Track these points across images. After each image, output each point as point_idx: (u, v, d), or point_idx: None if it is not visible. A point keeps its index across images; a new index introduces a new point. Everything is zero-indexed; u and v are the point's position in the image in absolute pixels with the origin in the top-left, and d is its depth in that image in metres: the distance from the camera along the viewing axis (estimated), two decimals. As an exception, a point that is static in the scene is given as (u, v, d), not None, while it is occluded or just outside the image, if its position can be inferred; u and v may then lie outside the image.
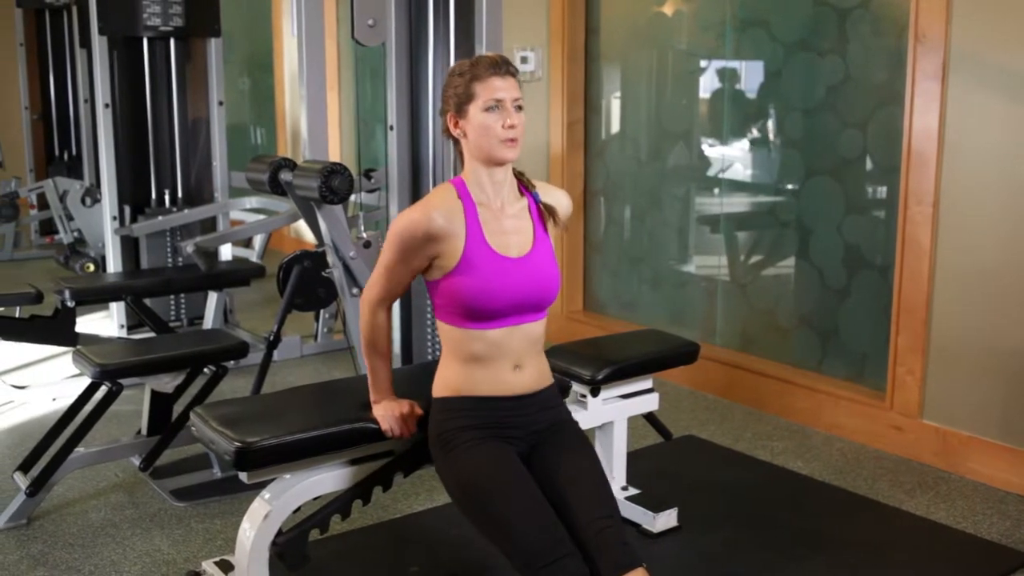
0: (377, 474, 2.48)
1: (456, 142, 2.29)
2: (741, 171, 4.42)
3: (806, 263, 4.11)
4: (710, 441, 3.79)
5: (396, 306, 3.81)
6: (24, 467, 3.20)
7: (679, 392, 4.39)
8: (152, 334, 4.49)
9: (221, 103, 5.26)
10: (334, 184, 3.30)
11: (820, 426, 3.89)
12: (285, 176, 3.58)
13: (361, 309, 2.38)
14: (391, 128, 3.85)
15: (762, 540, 2.94)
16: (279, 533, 2.39)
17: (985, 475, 3.37)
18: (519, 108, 2.22)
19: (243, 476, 2.35)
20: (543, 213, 2.33)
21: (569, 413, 2.41)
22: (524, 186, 2.34)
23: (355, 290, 3.55)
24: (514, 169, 2.33)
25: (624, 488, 3.11)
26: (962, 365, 3.42)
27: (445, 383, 2.30)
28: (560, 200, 2.40)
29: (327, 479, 2.43)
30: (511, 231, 2.26)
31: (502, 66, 2.22)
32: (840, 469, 3.51)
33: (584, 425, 2.98)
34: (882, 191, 3.80)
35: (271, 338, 3.88)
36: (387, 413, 2.38)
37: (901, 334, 3.57)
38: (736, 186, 4.45)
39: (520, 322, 2.25)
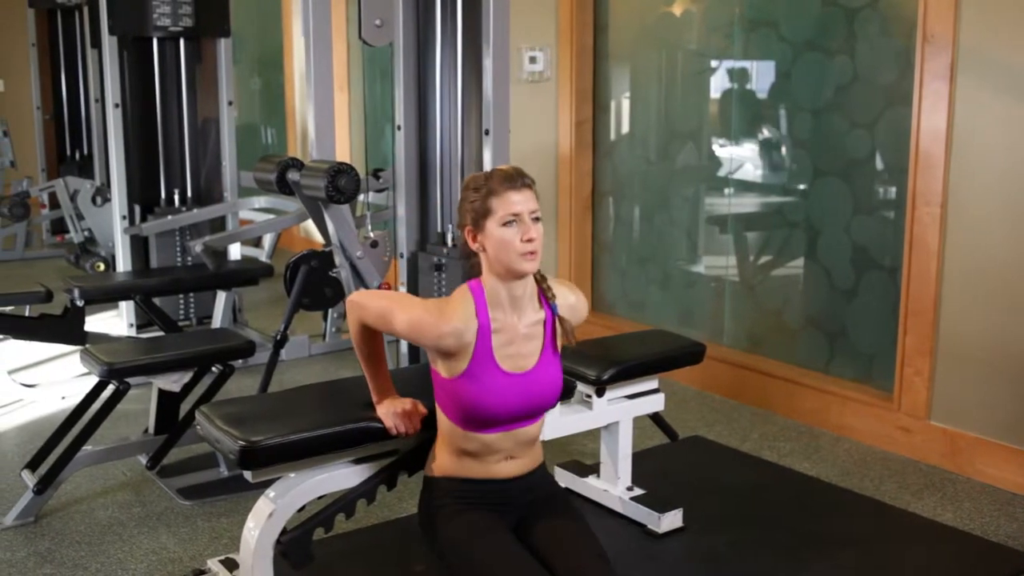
0: (382, 473, 2.49)
1: (474, 254, 2.27)
2: (749, 171, 4.42)
3: (814, 263, 4.10)
4: (717, 442, 3.78)
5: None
6: (32, 465, 3.22)
7: (686, 392, 4.39)
8: (161, 333, 4.51)
9: (231, 103, 5.28)
10: (340, 184, 3.31)
11: (828, 427, 3.88)
12: (292, 176, 3.59)
13: (349, 312, 2.38)
14: (398, 128, 3.86)
15: (767, 541, 2.93)
16: (283, 532, 2.39)
17: (993, 477, 3.36)
18: (537, 219, 2.20)
19: (248, 475, 2.36)
20: (556, 329, 2.32)
21: (558, 485, 2.46)
22: (545, 298, 2.31)
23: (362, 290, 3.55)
24: (536, 274, 2.28)
25: (629, 488, 3.10)
26: (970, 366, 3.41)
27: (437, 466, 2.35)
28: (577, 309, 2.36)
29: (332, 478, 2.43)
30: (520, 348, 2.26)
31: (517, 179, 2.21)
32: (847, 470, 3.50)
33: (589, 425, 3.00)
34: (890, 191, 3.79)
35: (278, 337, 3.89)
36: (390, 411, 2.39)
37: (909, 335, 3.55)
38: (744, 186, 4.45)
39: (515, 428, 2.29)
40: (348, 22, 6.97)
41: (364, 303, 2.36)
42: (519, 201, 2.19)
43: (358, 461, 2.47)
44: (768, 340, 4.33)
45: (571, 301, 2.37)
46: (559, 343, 2.35)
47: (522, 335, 2.27)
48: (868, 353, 3.91)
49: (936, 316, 3.47)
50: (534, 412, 2.31)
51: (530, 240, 2.17)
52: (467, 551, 2.20)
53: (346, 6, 6.84)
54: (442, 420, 2.33)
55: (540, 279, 2.31)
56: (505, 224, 2.17)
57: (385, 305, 2.31)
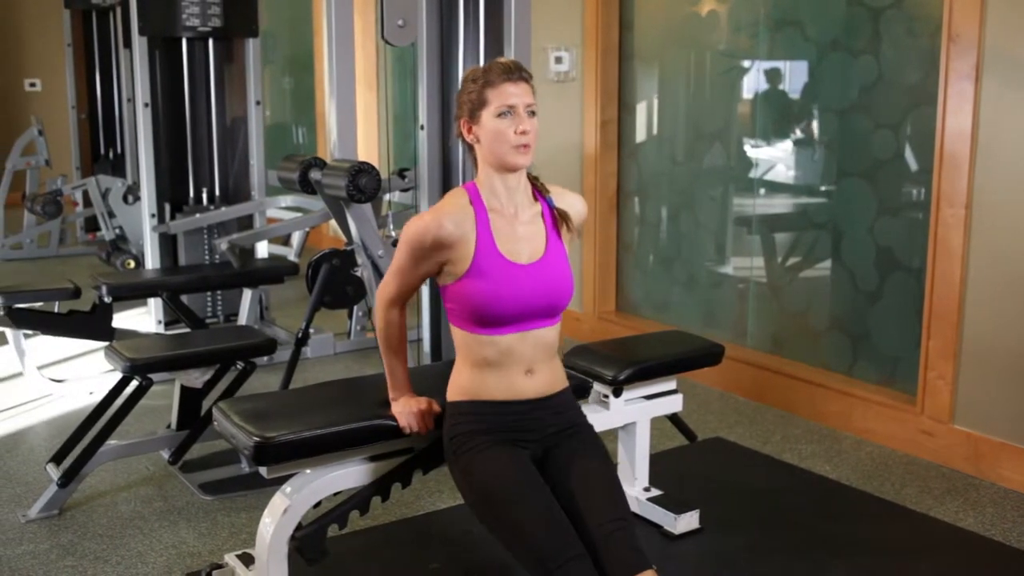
0: (396, 471, 2.50)
1: (470, 148, 2.29)
2: (774, 172, 4.39)
3: (838, 265, 4.07)
4: (737, 444, 3.77)
5: (425, 305, 3.86)
6: (57, 459, 3.26)
7: (709, 394, 4.37)
8: (188, 330, 4.56)
9: (259, 103, 5.32)
10: (361, 183, 3.33)
11: (850, 430, 3.85)
12: (315, 175, 3.62)
13: (375, 308, 2.41)
14: (422, 127, 3.87)
15: (785, 544, 2.92)
16: (298, 527, 2.42)
17: (1016, 482, 3.32)
18: (532, 114, 2.21)
19: (263, 471, 2.39)
20: (556, 218, 2.32)
21: (583, 416, 2.41)
22: (538, 191, 2.33)
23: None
24: (529, 174, 2.32)
25: (647, 489, 3.10)
26: (994, 370, 3.37)
27: (458, 387, 2.32)
28: (574, 205, 2.38)
29: (347, 475, 2.45)
30: (523, 237, 2.26)
31: (515, 72, 2.22)
32: (868, 474, 3.47)
33: (606, 426, 2.99)
34: (915, 193, 3.75)
35: (299, 335, 3.92)
36: (405, 410, 2.40)
37: (932, 338, 3.52)
38: (769, 187, 4.42)
39: (531, 327, 2.26)
40: (379, 22, 6.99)
41: (382, 283, 2.38)
42: (515, 93, 2.20)
43: (373, 458, 2.48)
44: (792, 342, 4.30)
45: (567, 199, 2.37)
46: (564, 237, 2.33)
47: (523, 222, 2.27)
48: (892, 356, 3.87)
49: (960, 319, 3.43)
50: (548, 308, 2.27)
51: (524, 132, 2.18)
52: (494, 498, 2.15)
53: (376, 6, 6.86)
54: (458, 335, 2.30)
55: (533, 178, 2.34)
56: (500, 115, 2.19)
57: (392, 264, 2.33)
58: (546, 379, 2.30)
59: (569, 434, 2.31)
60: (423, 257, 2.24)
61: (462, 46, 3.80)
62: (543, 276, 2.25)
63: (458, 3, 3.77)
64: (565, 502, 2.16)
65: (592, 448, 2.29)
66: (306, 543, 2.40)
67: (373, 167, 3.36)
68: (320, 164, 3.62)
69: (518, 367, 2.26)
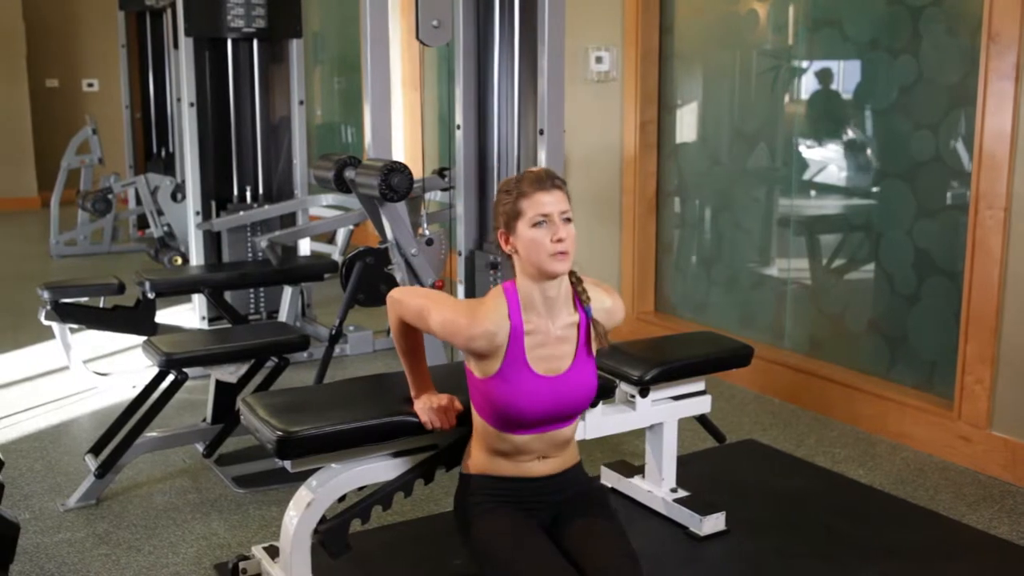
0: (419, 467, 2.53)
1: (509, 257, 2.30)
2: (812, 172, 4.35)
3: (876, 267, 4.02)
4: (770, 446, 3.74)
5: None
6: (95, 450, 3.34)
7: (745, 395, 4.34)
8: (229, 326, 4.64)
9: (302, 102, 5.39)
10: (394, 182, 3.36)
11: (886, 434, 3.80)
12: (349, 174, 3.66)
13: (389, 307, 2.43)
14: (458, 127, 3.89)
15: (812, 548, 2.89)
16: (322, 521, 2.46)
17: (1055, 490, 3.26)
18: (568, 220, 2.21)
19: (287, 465, 2.43)
20: (590, 332, 2.32)
21: (592, 484, 2.47)
22: (579, 299, 2.31)
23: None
24: (572, 274, 2.30)
25: (673, 490, 3.09)
26: (1033, 375, 3.31)
27: (471, 463, 2.40)
28: (613, 313, 2.37)
29: (371, 470, 2.48)
30: (553, 353, 2.27)
31: (547, 181, 2.22)
32: (902, 479, 3.43)
33: (632, 426, 2.99)
34: (954, 194, 3.70)
35: (333, 332, 3.97)
36: (426, 406, 2.43)
37: (970, 342, 3.46)
38: (807, 187, 4.38)
39: (548, 430, 2.31)
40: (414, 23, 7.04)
41: (403, 300, 2.41)
42: (549, 202, 2.20)
43: (397, 454, 2.51)
44: (829, 344, 4.26)
45: (607, 305, 2.37)
46: (594, 347, 2.36)
47: (555, 338, 2.28)
48: (929, 360, 3.82)
49: (998, 323, 3.37)
50: (566, 415, 2.32)
51: (560, 240, 2.18)
52: (496, 549, 2.23)
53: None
54: (476, 419, 2.37)
55: (575, 281, 2.32)
56: (535, 225, 2.19)
57: (422, 304, 2.35)
58: (559, 462, 2.37)
59: (578, 499, 2.37)
60: (448, 338, 2.28)
61: (497, 46, 3.82)
62: (566, 388, 2.28)
63: (493, 3, 3.79)
64: (572, 553, 2.22)
65: (599, 507, 2.36)
66: (329, 536, 2.44)
67: (405, 166, 3.39)
68: (355, 163, 3.66)
69: (531, 456, 2.34)
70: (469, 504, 2.35)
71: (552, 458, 2.36)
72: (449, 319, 2.26)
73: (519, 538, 2.22)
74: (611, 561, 2.16)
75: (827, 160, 4.29)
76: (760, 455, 3.66)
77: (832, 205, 4.35)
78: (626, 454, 3.62)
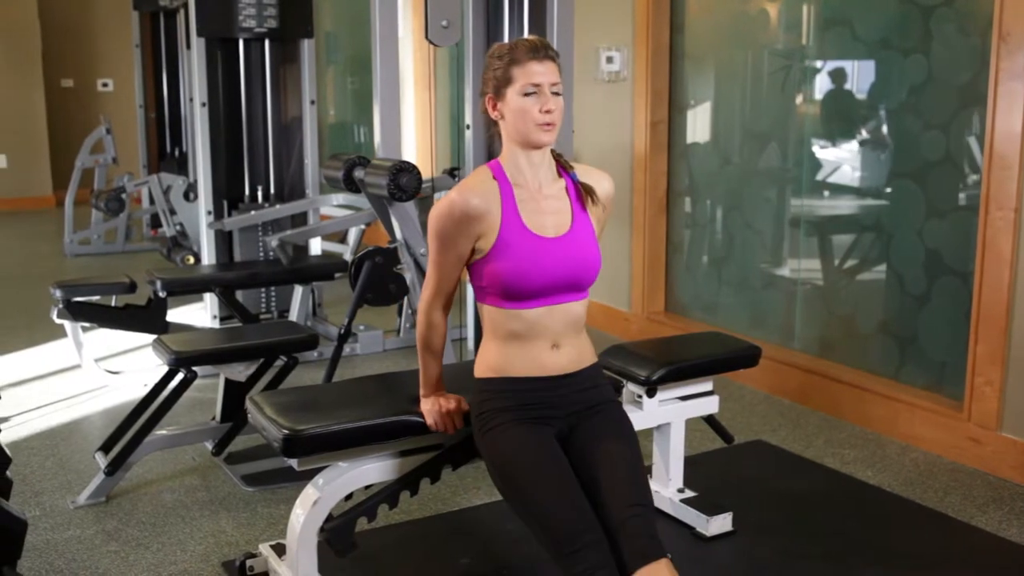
0: (425, 467, 2.54)
1: (494, 124, 2.31)
2: (823, 172, 4.34)
3: (886, 268, 4.00)
4: (779, 447, 3.73)
5: (470, 304, 3.89)
6: (105, 448, 3.36)
7: (755, 396, 4.33)
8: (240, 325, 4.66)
9: (313, 102, 5.41)
10: (402, 182, 3.37)
11: (896, 435, 3.78)
12: (358, 174, 3.67)
13: (418, 312, 2.44)
14: (467, 127, 3.90)
15: (818, 549, 2.89)
16: (328, 519, 2.47)
17: (1065, 492, 3.24)
18: (557, 93, 2.22)
19: (293, 463, 2.44)
20: (581, 193, 2.33)
21: (612, 393, 2.39)
22: (562, 167, 2.34)
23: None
24: (552, 151, 2.33)
25: (681, 490, 3.09)
26: (1043, 377, 3.29)
27: (484, 363, 2.34)
28: (600, 182, 2.38)
29: (377, 469, 2.49)
30: (548, 211, 2.27)
31: (541, 50, 2.23)
32: (911, 480, 3.41)
33: (639, 426, 2.98)
34: (964, 195, 3.68)
35: (341, 331, 3.98)
36: (433, 408, 2.43)
37: (980, 343, 3.45)
38: (817, 188, 4.37)
39: (558, 302, 2.26)
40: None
41: (423, 286, 2.41)
42: (541, 72, 2.20)
43: (403, 453, 2.52)
44: (838, 345, 4.24)
45: (593, 175, 2.38)
46: (592, 214, 2.33)
47: (546, 196, 2.28)
48: (939, 361, 3.80)
49: (1008, 324, 3.35)
50: (575, 281, 2.27)
51: (548, 111, 2.20)
52: (512, 473, 2.18)
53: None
54: (485, 311, 2.32)
55: (557, 155, 2.35)
56: (525, 94, 2.20)
57: (428, 261, 2.35)
58: (572, 355, 2.31)
59: (595, 412, 2.30)
60: (453, 236, 2.25)
61: (507, 46, 3.82)
62: (569, 249, 2.26)
63: (503, 3, 3.79)
64: (586, 482, 2.16)
65: (617, 428, 2.28)
66: (335, 535, 2.45)
67: (414, 166, 3.39)
68: (364, 163, 3.68)
69: (544, 341, 2.27)
70: (487, 413, 2.28)
71: (565, 348, 2.29)
72: (441, 211, 2.24)
73: (540, 468, 2.15)
74: (624, 512, 2.08)
75: (837, 160, 4.27)
76: (768, 456, 3.65)
77: (842, 205, 4.33)
78: (634, 454, 3.61)
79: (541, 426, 2.25)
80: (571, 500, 2.09)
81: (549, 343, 2.28)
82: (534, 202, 2.27)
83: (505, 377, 2.29)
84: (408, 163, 3.40)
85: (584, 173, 2.37)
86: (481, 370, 2.35)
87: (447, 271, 2.33)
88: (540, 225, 2.25)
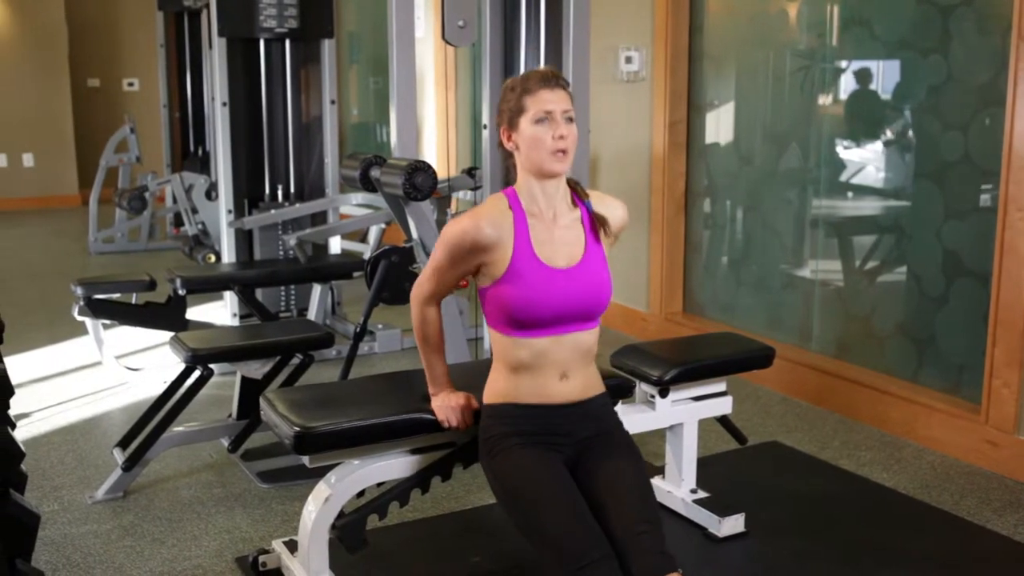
0: (436, 464, 2.55)
1: (509, 155, 2.32)
2: (841, 173, 4.32)
3: (904, 269, 3.98)
4: (794, 448, 3.72)
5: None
6: (123, 443, 3.39)
7: (771, 397, 4.32)
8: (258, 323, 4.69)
9: (333, 102, 5.44)
10: (417, 181, 3.38)
11: (913, 438, 3.76)
12: (374, 173, 3.69)
13: (411, 305, 2.45)
14: (484, 127, 3.92)
15: (831, 551, 2.88)
16: (340, 516, 2.48)
17: (1083, 496, 3.21)
18: (570, 120, 2.24)
19: (305, 460, 2.46)
20: (595, 223, 2.34)
21: (619, 423, 2.41)
22: (577, 196, 2.35)
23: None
24: (569, 179, 2.34)
25: (693, 491, 3.09)
26: (1061, 380, 3.26)
27: (493, 389, 2.36)
28: (615, 211, 2.38)
29: (389, 466, 2.51)
30: (561, 241, 2.28)
31: (552, 79, 2.25)
32: (927, 483, 3.39)
33: (652, 426, 2.99)
34: (983, 196, 3.65)
35: (357, 330, 4.00)
36: (443, 404, 2.45)
37: (998, 345, 3.42)
38: (835, 188, 4.35)
39: (567, 331, 2.27)
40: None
41: (419, 281, 2.42)
42: (552, 99, 2.23)
43: (415, 451, 2.53)
44: (856, 346, 4.22)
45: (608, 204, 2.38)
46: (604, 245, 2.34)
47: (561, 227, 2.29)
48: (957, 363, 3.77)
49: (1027, 326, 3.33)
50: (584, 312, 2.28)
51: (561, 138, 2.21)
52: (518, 495, 2.19)
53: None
54: (494, 337, 2.33)
55: (573, 183, 2.35)
56: (538, 122, 2.22)
57: (429, 262, 2.37)
58: (580, 384, 2.32)
59: (603, 439, 2.32)
60: (461, 259, 2.28)
61: (523, 46, 3.83)
62: (580, 280, 2.27)
63: (519, 4, 3.81)
64: (594, 503, 2.17)
65: (625, 451, 2.30)
66: (346, 532, 2.46)
67: (429, 165, 3.41)
68: (380, 162, 3.69)
69: (552, 370, 2.28)
70: (494, 438, 2.30)
71: (573, 378, 2.30)
72: (453, 235, 2.26)
73: (546, 487, 2.17)
74: (633, 528, 2.09)
75: (855, 161, 4.25)
76: (783, 457, 3.64)
77: (860, 206, 4.31)
78: (647, 454, 3.58)
79: (549, 451, 2.27)
80: (578, 518, 2.10)
81: (557, 373, 2.29)
82: (547, 232, 2.28)
83: (512, 404, 2.31)
84: (423, 162, 3.41)
85: (599, 201, 2.37)
86: (489, 396, 2.37)
87: (448, 279, 2.37)
88: (552, 256, 2.27)
